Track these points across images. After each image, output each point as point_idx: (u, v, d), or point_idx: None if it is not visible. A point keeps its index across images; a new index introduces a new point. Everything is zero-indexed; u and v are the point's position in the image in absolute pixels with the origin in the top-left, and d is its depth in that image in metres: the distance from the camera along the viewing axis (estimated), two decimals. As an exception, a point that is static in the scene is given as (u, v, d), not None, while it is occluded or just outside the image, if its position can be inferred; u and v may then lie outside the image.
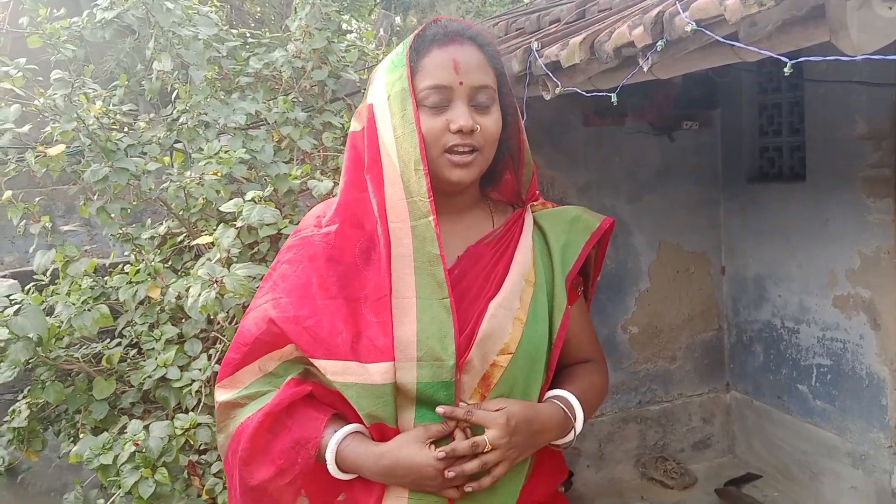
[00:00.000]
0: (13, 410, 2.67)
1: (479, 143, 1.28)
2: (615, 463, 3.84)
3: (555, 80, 2.00)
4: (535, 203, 1.47)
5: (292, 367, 1.31)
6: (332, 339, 1.24)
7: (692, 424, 3.98)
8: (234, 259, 2.13)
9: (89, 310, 2.42)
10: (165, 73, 2.67)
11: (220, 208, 2.20)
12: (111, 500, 2.11)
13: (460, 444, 1.20)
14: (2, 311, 2.30)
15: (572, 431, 1.34)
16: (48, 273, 2.69)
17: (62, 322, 2.40)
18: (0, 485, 3.13)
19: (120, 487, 2.04)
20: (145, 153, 2.63)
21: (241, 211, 2.06)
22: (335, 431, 1.25)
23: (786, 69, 1.35)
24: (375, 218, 1.28)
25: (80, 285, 2.53)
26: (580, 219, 1.44)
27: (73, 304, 2.40)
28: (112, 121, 2.67)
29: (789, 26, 1.53)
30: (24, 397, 2.64)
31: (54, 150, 2.40)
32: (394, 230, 1.25)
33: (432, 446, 1.21)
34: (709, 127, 3.87)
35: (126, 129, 2.81)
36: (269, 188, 2.44)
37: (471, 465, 1.20)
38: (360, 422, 1.27)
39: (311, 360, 1.26)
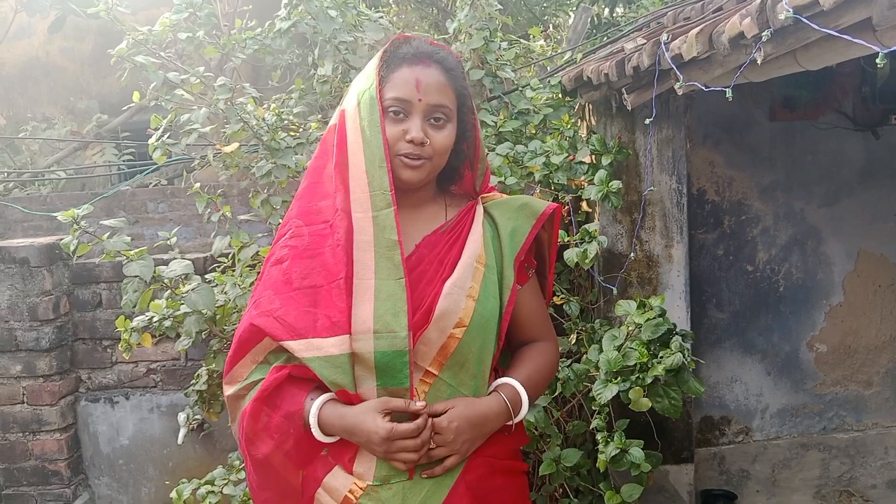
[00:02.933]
0: (197, 375, 3.05)
1: (429, 153, 1.46)
2: (790, 492, 3.49)
3: (678, 73, 1.87)
4: (486, 195, 1.64)
5: (280, 355, 1.48)
6: (298, 323, 1.42)
7: (888, 459, 3.50)
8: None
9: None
10: (330, 77, 2.88)
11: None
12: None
13: (402, 425, 1.37)
14: (180, 289, 2.64)
15: (520, 414, 1.52)
16: (230, 257, 3.04)
17: (229, 300, 2.70)
18: (191, 439, 3.61)
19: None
20: (312, 152, 2.87)
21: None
22: (313, 400, 1.43)
23: None
24: (332, 213, 1.45)
25: (251, 269, 2.82)
26: (527, 206, 1.61)
27: (239, 284, 2.69)
28: (284, 122, 2.93)
29: (934, 7, 1.32)
30: (204, 365, 3.01)
31: (229, 148, 2.70)
32: (357, 220, 1.42)
33: (388, 417, 1.38)
34: (925, 122, 3.36)
35: (300, 130, 3.07)
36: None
37: (407, 444, 1.37)
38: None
39: (281, 343, 1.43)
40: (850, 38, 1.23)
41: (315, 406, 1.42)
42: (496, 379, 1.56)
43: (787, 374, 3.47)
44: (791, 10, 1.28)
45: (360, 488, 1.43)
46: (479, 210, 1.58)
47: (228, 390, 1.53)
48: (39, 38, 7.66)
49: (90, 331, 3.73)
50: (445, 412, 1.41)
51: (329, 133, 1.53)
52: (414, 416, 1.40)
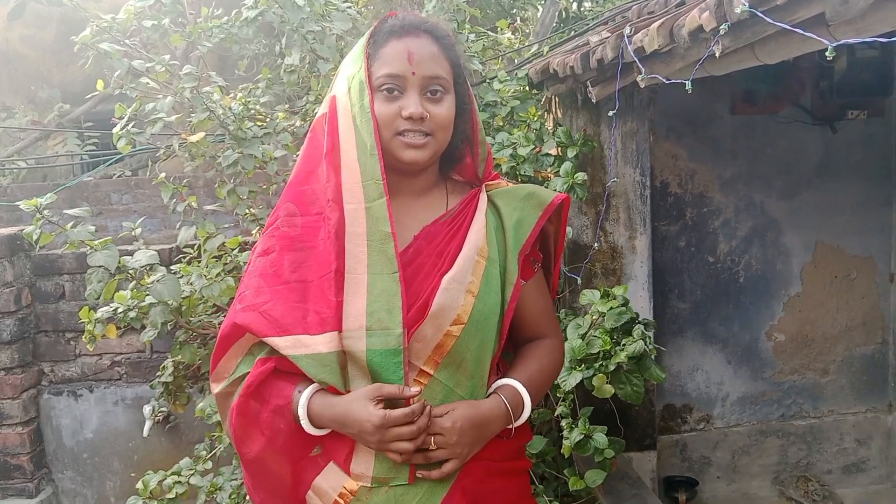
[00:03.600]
0: (163, 367, 3.03)
1: (431, 128, 1.36)
2: (750, 477, 3.58)
3: (640, 65, 1.91)
4: (490, 182, 1.52)
5: (265, 346, 1.38)
6: (285, 318, 1.34)
7: (844, 445, 3.61)
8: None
9: (219, 282, 2.68)
10: (297, 67, 2.87)
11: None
12: (216, 451, 2.34)
13: (396, 410, 1.28)
14: (145, 279, 2.62)
15: (521, 416, 1.42)
16: (196, 248, 3.02)
17: (195, 291, 2.68)
18: (157, 432, 3.58)
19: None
20: (279, 141, 2.86)
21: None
22: (301, 392, 1.34)
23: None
24: (325, 203, 1.37)
25: (217, 260, 2.81)
26: (533, 195, 1.49)
27: (205, 275, 2.68)
28: (251, 111, 2.92)
29: (883, 2, 1.37)
30: (170, 356, 2.99)
31: (194, 137, 2.68)
32: (349, 211, 1.34)
33: (380, 405, 1.29)
34: (879, 116, 3.46)
35: (267, 119, 3.06)
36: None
37: (402, 431, 1.27)
38: None
39: (265, 339, 1.35)
40: (802, 31, 1.27)
41: (304, 397, 1.33)
42: (498, 379, 1.45)
43: (746, 363, 3.56)
44: (747, 3, 1.32)
45: (351, 492, 1.34)
46: (483, 199, 1.47)
47: (216, 388, 1.44)
48: (-1, 26, 7.48)
49: (53, 323, 3.68)
50: (447, 413, 1.32)
51: (319, 120, 1.44)
52: (408, 403, 1.31)
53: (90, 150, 6.38)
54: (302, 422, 1.33)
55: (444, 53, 1.39)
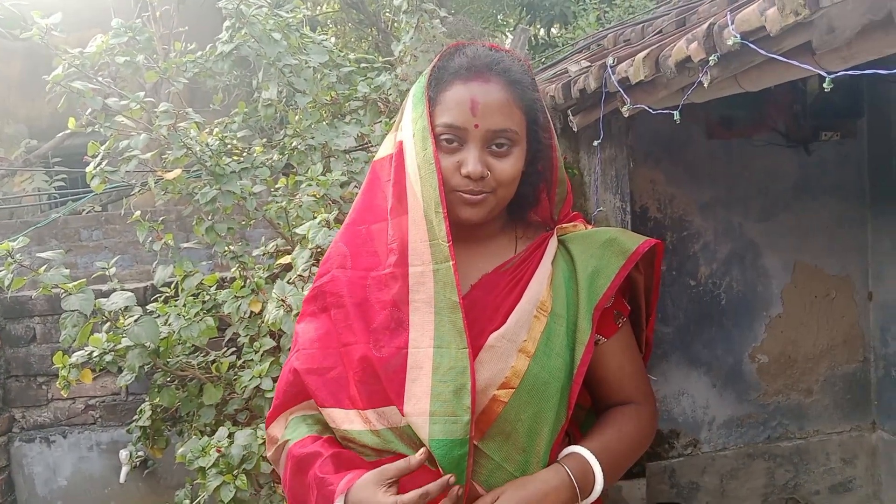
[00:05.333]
0: (140, 410, 2.95)
1: (491, 186, 1.23)
2: (738, 501, 3.56)
3: (625, 96, 1.91)
4: (566, 224, 1.38)
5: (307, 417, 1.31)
6: (352, 392, 1.23)
7: (830, 465, 3.61)
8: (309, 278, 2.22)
9: (198, 322, 2.62)
10: (274, 101, 2.84)
11: (296, 231, 2.31)
12: (197, 501, 2.26)
13: (407, 495, 1.11)
14: (122, 321, 2.55)
15: (593, 493, 1.22)
16: (173, 286, 2.95)
17: (173, 332, 2.62)
18: (135, 477, 3.47)
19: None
20: (257, 176, 2.81)
21: (310, 233, 2.15)
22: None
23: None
24: (384, 254, 1.25)
25: (194, 298, 2.74)
26: (615, 241, 1.32)
27: (184, 315, 2.61)
28: (228, 146, 2.88)
29: (869, 32, 1.38)
30: (147, 399, 2.91)
31: (171, 175, 2.63)
32: (414, 274, 1.20)
33: (391, 489, 1.13)
34: (852, 137, 3.51)
35: (244, 154, 3.02)
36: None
37: None
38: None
39: (323, 410, 1.25)
40: (796, 63, 1.27)
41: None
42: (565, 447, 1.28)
43: (731, 386, 3.55)
44: (738, 35, 1.32)
45: None
46: (553, 244, 1.31)
47: (268, 452, 1.36)
48: (-38, 62, 7.38)
49: (24, 367, 3.57)
50: (494, 501, 1.15)
51: (377, 165, 1.33)
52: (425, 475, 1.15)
53: (59, 187, 6.26)
54: None
55: (517, 100, 1.24)
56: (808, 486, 3.60)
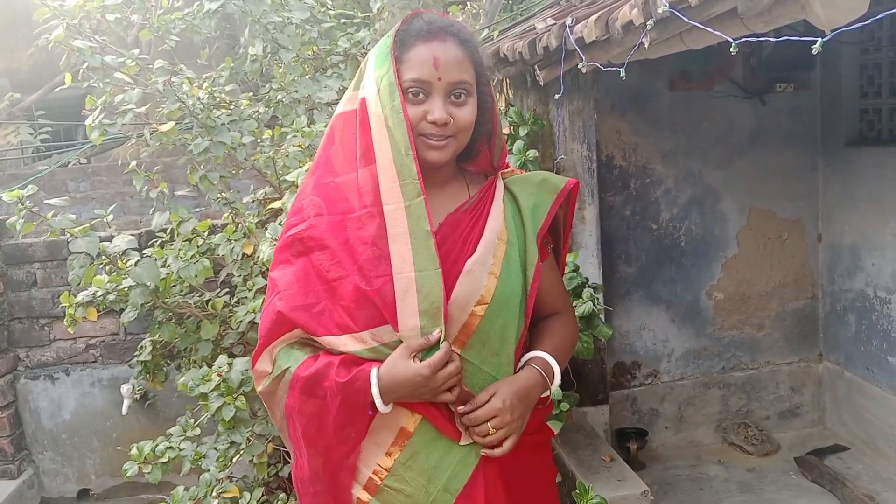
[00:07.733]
0: (141, 346, 3.17)
1: (453, 131, 1.43)
2: (695, 426, 3.89)
3: (581, 54, 2.11)
4: (505, 171, 1.61)
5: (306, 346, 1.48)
6: (343, 320, 1.41)
7: (780, 393, 3.93)
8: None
9: (195, 263, 2.83)
10: (259, 56, 3.00)
11: (285, 178, 2.51)
12: (200, 420, 2.51)
13: (436, 355, 1.36)
14: (122, 264, 2.76)
15: (554, 384, 1.53)
16: (168, 232, 3.15)
17: (172, 272, 2.83)
18: (135, 410, 3.72)
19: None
20: (245, 128, 2.99)
21: (298, 180, 2.36)
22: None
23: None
24: (356, 199, 1.42)
25: (188, 243, 2.95)
26: (547, 181, 1.58)
27: (182, 258, 2.82)
28: (217, 100, 3.05)
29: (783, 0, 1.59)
30: (148, 336, 3.13)
31: (165, 127, 2.80)
32: (388, 212, 1.39)
33: (416, 359, 1.37)
34: (805, 89, 3.74)
35: (232, 107, 3.19)
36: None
37: (449, 369, 1.37)
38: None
39: (318, 339, 1.43)
40: (711, 30, 1.48)
41: (373, 383, 1.38)
42: (524, 353, 1.54)
43: (689, 321, 3.84)
44: (667, 4, 1.52)
45: (385, 469, 1.43)
46: (500, 186, 1.54)
47: (260, 386, 1.52)
48: (-60, 13, 7.36)
49: (26, 310, 3.78)
50: (492, 396, 1.42)
51: (339, 119, 1.49)
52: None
53: (44, 140, 6.36)
54: (377, 400, 1.39)
55: (469, 57, 1.44)
56: (759, 413, 3.92)
